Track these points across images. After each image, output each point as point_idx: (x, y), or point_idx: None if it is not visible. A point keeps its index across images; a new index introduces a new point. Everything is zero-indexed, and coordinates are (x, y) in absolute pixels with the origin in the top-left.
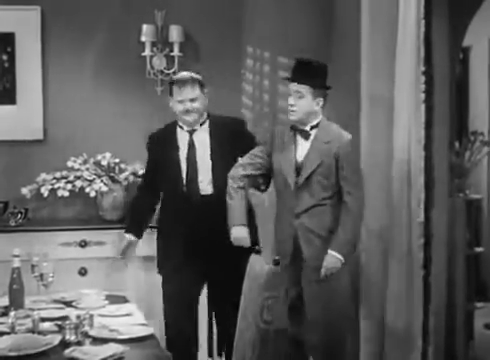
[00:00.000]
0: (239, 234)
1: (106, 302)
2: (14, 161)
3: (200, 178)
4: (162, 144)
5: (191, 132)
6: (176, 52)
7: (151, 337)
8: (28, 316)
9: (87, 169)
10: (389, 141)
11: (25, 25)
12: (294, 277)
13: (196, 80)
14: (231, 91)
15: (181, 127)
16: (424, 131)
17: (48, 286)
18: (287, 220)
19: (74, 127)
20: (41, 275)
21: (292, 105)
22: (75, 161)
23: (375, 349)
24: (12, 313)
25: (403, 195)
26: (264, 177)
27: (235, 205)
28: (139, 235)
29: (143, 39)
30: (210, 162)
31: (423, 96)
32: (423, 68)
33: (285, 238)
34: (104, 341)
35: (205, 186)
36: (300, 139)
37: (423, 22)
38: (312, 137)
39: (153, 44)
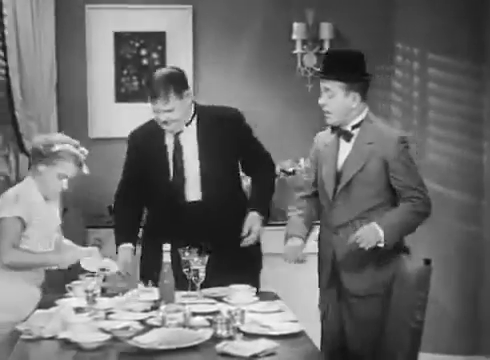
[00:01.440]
0: (291, 244)
1: (256, 298)
2: None
3: (187, 183)
4: (147, 143)
5: (177, 132)
6: (326, 49)
7: (302, 334)
8: (179, 310)
9: None
10: None
11: (176, 24)
12: (332, 308)
13: (170, 88)
14: (380, 88)
15: None
16: None
17: (198, 281)
18: (326, 237)
19: None
20: (193, 271)
21: (323, 105)
22: None
23: None
24: (163, 307)
25: None
26: None
27: (294, 218)
28: (134, 242)
29: (294, 37)
30: (198, 165)
31: None
32: None
33: (323, 258)
34: (255, 337)
35: (193, 191)
36: (342, 141)
37: None
38: (354, 138)
39: (304, 42)
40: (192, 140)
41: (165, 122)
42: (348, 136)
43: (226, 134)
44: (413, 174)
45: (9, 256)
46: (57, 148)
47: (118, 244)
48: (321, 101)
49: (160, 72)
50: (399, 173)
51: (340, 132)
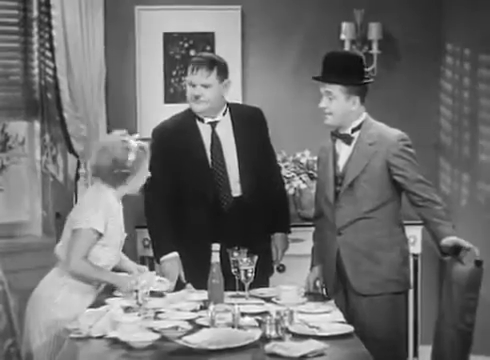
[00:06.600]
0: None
1: (305, 299)
2: None
3: (230, 178)
4: (181, 136)
5: (213, 124)
6: (375, 50)
7: (351, 335)
8: (227, 310)
9: (286, 167)
10: None
11: (225, 25)
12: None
13: (215, 64)
14: (429, 88)
15: (200, 119)
16: None
17: (247, 282)
18: (329, 238)
19: (272, 125)
20: (241, 271)
21: (324, 108)
22: None
23: None
24: (211, 307)
25: None
26: None
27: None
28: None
29: (342, 37)
30: (237, 160)
31: None
32: None
33: (327, 260)
34: (304, 337)
35: (234, 187)
36: (342, 144)
37: None
38: (355, 140)
39: (352, 42)
40: (228, 134)
41: (197, 97)
42: (349, 139)
43: (257, 132)
44: (415, 168)
45: (76, 266)
46: (133, 157)
47: (161, 255)
48: (322, 104)
49: (209, 53)
50: (400, 167)
51: (340, 136)
